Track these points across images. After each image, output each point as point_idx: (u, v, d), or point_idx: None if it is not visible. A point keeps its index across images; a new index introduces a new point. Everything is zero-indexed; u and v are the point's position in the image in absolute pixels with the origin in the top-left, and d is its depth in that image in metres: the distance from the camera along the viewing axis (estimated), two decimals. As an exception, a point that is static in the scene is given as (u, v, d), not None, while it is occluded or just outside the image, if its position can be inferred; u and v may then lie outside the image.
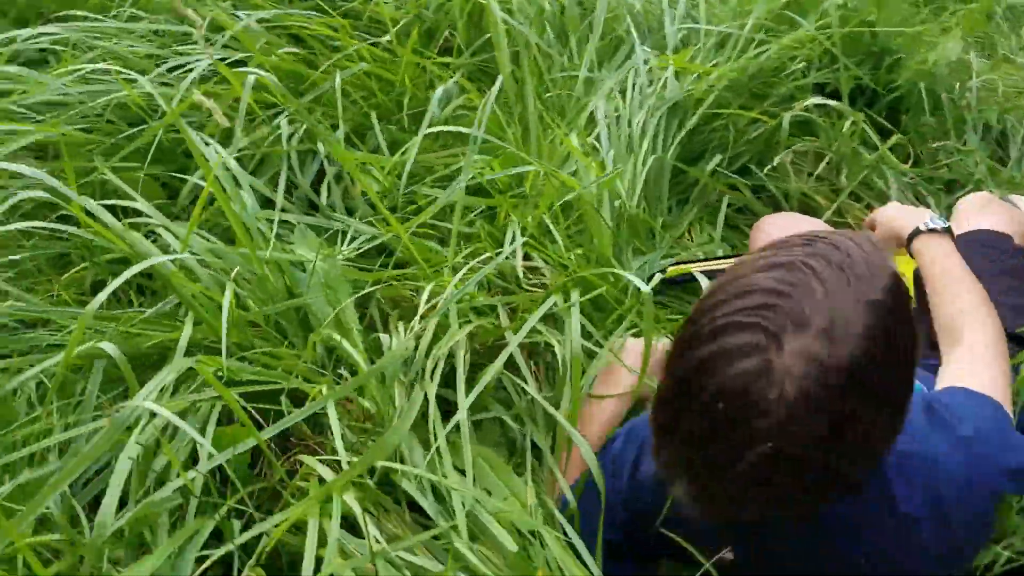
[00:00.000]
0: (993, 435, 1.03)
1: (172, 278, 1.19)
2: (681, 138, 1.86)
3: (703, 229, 1.89)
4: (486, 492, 1.18)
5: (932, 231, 1.38)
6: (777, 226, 1.78)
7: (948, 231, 1.38)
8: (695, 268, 1.67)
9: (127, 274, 1.08)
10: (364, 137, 1.95)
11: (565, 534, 1.06)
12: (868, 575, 0.99)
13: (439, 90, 1.89)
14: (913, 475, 0.97)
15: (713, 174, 1.92)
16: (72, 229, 1.25)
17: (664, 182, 1.82)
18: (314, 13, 2.17)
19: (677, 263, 1.69)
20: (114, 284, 1.06)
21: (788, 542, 0.99)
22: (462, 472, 1.17)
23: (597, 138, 1.79)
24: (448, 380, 1.23)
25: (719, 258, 1.73)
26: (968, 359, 1.18)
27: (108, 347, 0.98)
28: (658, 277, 1.62)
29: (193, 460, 1.08)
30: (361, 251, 1.55)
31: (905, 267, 1.32)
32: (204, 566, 0.87)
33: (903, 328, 0.82)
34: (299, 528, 0.93)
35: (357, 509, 0.88)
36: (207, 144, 1.57)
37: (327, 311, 1.40)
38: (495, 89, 1.91)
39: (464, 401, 1.12)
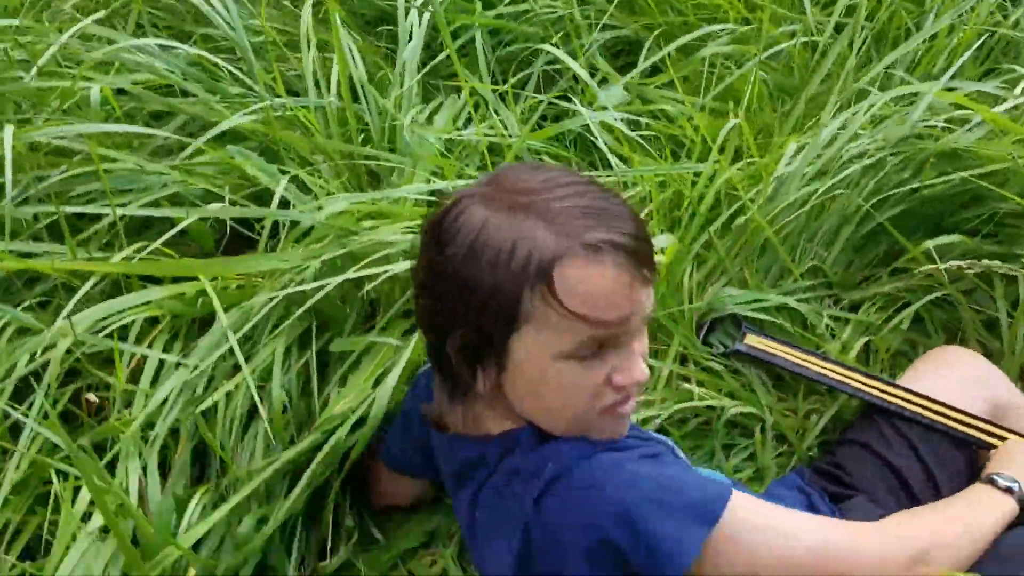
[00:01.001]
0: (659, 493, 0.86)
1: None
2: (916, 195, 1.47)
3: (888, 310, 1.51)
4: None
5: (992, 483, 1.08)
6: (959, 364, 1.37)
7: (1010, 492, 1.06)
8: (777, 348, 1.39)
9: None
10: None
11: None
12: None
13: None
14: (547, 461, 0.91)
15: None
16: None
17: (845, 229, 1.48)
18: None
19: (765, 335, 1.42)
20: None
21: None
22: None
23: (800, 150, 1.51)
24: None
25: (812, 354, 1.40)
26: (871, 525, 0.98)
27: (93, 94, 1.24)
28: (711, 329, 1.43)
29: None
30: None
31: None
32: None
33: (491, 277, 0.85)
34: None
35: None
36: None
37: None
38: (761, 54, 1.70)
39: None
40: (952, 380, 1.34)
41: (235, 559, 1.06)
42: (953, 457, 1.27)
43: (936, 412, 1.30)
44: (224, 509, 1.06)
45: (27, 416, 1.03)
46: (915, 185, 1.46)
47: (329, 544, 1.22)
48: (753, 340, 1.41)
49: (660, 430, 1.32)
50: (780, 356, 1.39)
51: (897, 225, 1.48)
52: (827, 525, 0.95)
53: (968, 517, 1.00)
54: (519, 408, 0.93)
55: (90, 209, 1.19)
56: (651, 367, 1.37)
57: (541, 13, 1.79)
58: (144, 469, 1.06)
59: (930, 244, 1.43)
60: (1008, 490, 1.05)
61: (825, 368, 1.37)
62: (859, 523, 0.98)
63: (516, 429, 0.95)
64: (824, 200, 1.46)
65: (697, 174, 1.46)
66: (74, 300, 1.08)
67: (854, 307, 1.52)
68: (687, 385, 1.36)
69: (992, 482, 1.07)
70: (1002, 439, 1.26)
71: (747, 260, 1.46)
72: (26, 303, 1.15)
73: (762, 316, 1.44)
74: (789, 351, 1.39)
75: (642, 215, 1.43)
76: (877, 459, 1.28)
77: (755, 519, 0.89)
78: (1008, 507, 1.03)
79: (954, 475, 1.26)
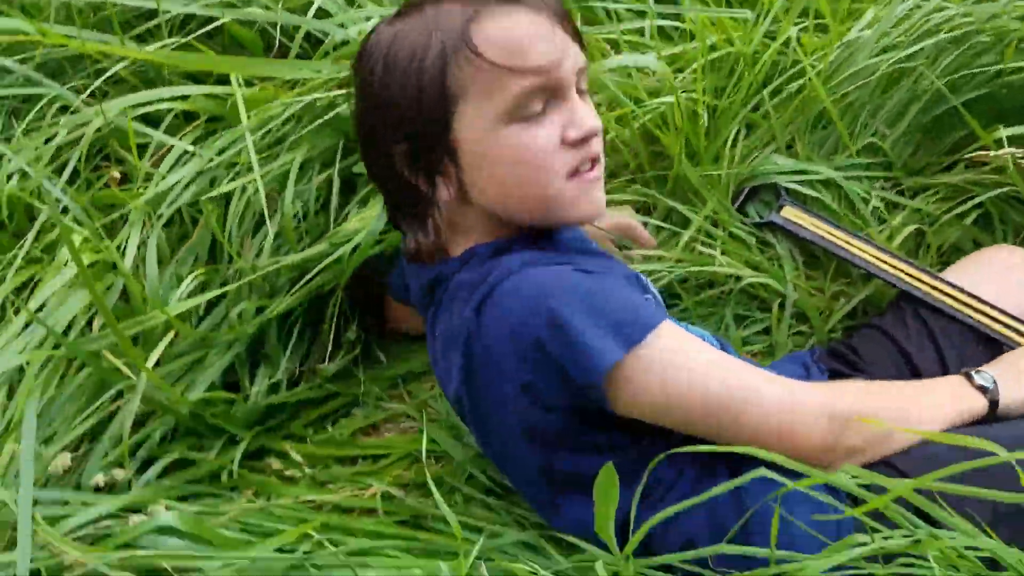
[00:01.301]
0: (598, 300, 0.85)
1: None
2: (1000, 79, 1.33)
3: (952, 202, 1.39)
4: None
5: (968, 377, 1.00)
6: (1006, 263, 1.27)
7: (983, 391, 0.98)
8: (814, 224, 1.32)
9: None
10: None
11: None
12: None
13: None
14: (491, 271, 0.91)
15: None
16: None
17: (914, 107, 1.36)
18: None
19: (805, 210, 1.34)
20: None
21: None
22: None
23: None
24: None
25: (853, 235, 1.31)
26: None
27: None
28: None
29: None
30: None
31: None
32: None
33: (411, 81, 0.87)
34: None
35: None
36: None
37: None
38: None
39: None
40: (1012, 282, 1.24)
41: (227, 335, 1.13)
42: (976, 355, 1.19)
43: (973, 308, 1.22)
44: (222, 290, 1.13)
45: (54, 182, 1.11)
46: (999, 67, 1.32)
47: (329, 350, 1.28)
48: (790, 213, 1.34)
49: (669, 289, 1.29)
50: (816, 232, 1.32)
51: (976, 112, 1.35)
52: (756, 373, 0.90)
53: (919, 401, 0.94)
54: (485, 200, 0.93)
55: (136, 2, 1.25)
56: (676, 231, 1.35)
57: None
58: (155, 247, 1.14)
59: (1004, 133, 1.30)
60: (982, 388, 0.97)
61: (863, 251, 1.30)
62: (793, 380, 0.92)
63: (475, 245, 0.96)
64: (894, 72, 1.35)
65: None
66: (102, 79, 1.15)
67: (913, 195, 1.42)
68: (709, 251, 1.32)
69: (969, 376, 0.99)
70: (1039, 342, 1.17)
71: (800, 130, 1.38)
72: (71, 83, 1.23)
73: (806, 190, 1.36)
74: (828, 228, 1.32)
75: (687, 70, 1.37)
76: (894, 346, 1.22)
77: (677, 353, 0.86)
78: (974, 404, 0.96)
79: (972, 372, 1.18)
